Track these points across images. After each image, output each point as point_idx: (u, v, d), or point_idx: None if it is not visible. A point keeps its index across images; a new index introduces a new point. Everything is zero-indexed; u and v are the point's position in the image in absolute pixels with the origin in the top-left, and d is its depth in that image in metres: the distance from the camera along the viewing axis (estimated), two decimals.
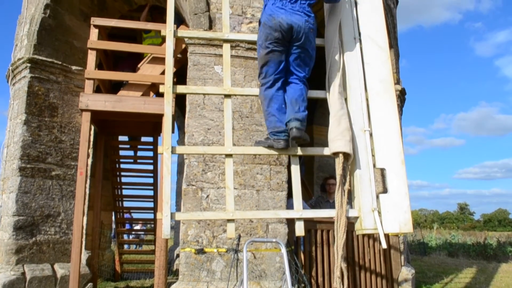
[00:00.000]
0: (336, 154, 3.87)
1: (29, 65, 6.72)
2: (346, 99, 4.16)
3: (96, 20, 6.45)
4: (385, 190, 3.96)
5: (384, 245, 3.74)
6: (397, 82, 7.84)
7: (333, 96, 4.06)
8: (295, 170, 3.94)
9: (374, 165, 4.00)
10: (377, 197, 3.91)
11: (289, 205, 5.41)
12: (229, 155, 3.82)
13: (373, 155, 4.07)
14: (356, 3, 4.57)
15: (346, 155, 3.87)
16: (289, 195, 5.26)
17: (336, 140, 3.84)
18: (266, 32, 3.90)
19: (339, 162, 3.87)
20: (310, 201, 7.40)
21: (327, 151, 3.98)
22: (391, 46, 7.65)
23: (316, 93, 4.26)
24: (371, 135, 4.12)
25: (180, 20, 6.86)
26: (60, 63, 7.00)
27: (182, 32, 4.34)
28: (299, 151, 3.99)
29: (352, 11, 4.51)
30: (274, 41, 3.88)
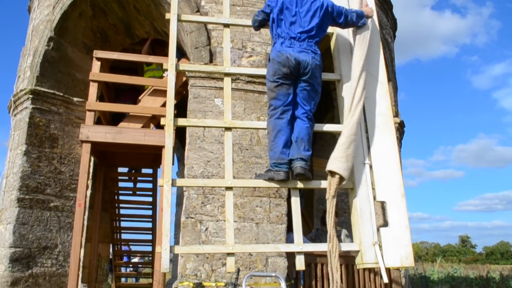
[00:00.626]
0: (333, 173, 3.84)
1: (31, 96, 6.77)
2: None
3: (98, 53, 6.55)
4: (385, 223, 3.94)
5: (385, 280, 3.69)
6: (396, 114, 7.90)
7: (352, 118, 4.05)
8: (295, 202, 3.92)
9: (374, 198, 3.99)
10: (378, 230, 3.89)
11: (289, 239, 5.37)
12: (229, 188, 3.81)
13: (373, 188, 4.07)
14: (354, 38, 4.65)
15: (341, 180, 3.85)
16: (289, 228, 5.22)
17: (340, 161, 3.82)
18: (275, 67, 3.97)
19: (333, 183, 3.83)
20: (310, 234, 7.33)
21: (325, 184, 3.97)
22: (389, 80, 7.74)
23: (327, 127, 4.29)
24: (371, 167, 4.14)
25: (181, 53, 6.96)
26: (61, 94, 7.06)
27: (184, 65, 4.40)
28: (299, 184, 3.98)
29: (351, 47, 4.59)
30: (283, 76, 3.94)
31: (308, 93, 4.06)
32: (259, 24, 4.28)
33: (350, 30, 4.69)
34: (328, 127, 4.31)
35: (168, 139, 3.75)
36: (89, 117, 6.25)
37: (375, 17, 4.88)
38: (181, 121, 3.97)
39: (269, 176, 3.96)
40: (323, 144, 9.62)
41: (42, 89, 6.89)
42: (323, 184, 3.99)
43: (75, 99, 7.19)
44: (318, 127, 4.19)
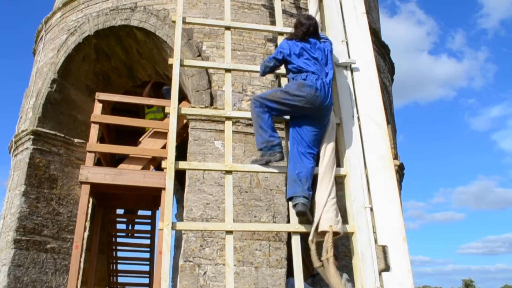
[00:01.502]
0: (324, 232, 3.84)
1: (32, 137, 6.81)
2: (345, 176, 4.21)
3: (100, 95, 6.64)
4: (387, 268, 3.90)
5: None
6: (395, 157, 7.93)
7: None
8: (296, 246, 3.89)
9: (375, 242, 3.97)
10: (380, 274, 3.84)
11: (289, 284, 5.27)
12: (229, 232, 3.78)
13: (374, 232, 4.05)
14: (354, 83, 4.74)
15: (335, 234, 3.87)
16: (289, 272, 5.13)
17: (331, 218, 3.85)
18: (298, 92, 3.97)
19: (328, 239, 3.83)
20: (309, 278, 7.21)
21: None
22: (388, 122, 7.81)
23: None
24: (371, 210, 4.13)
25: (181, 95, 7.06)
26: (62, 135, 7.10)
27: (186, 109, 4.46)
28: (301, 228, 3.97)
29: (350, 91, 4.67)
30: (299, 105, 3.99)
31: (318, 138, 4.12)
32: (269, 71, 4.39)
33: (349, 73, 4.79)
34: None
35: (169, 182, 3.76)
36: (89, 158, 6.27)
37: (373, 61, 5.00)
38: (182, 164, 3.99)
39: (266, 160, 4.01)
40: None
41: (44, 130, 6.93)
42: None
43: (76, 140, 7.23)
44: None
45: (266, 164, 4.06)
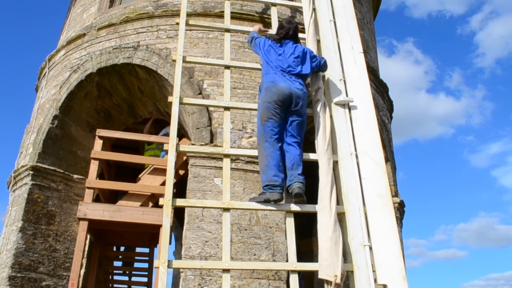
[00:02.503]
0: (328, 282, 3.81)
1: (31, 172, 6.81)
2: (344, 214, 4.19)
3: (101, 132, 6.69)
4: None
5: None
6: (395, 194, 7.91)
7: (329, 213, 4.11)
8: (294, 285, 3.83)
9: (375, 281, 3.91)
10: None
11: None
12: (226, 270, 3.73)
13: (374, 271, 4.00)
14: (352, 121, 4.79)
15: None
16: None
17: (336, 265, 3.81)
18: (269, 95, 4.34)
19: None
20: None
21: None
22: (387, 160, 7.84)
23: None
24: (371, 249, 4.09)
25: (181, 132, 7.12)
26: (62, 171, 7.11)
27: (185, 147, 4.49)
28: (294, 207, 4.14)
29: (348, 129, 4.71)
30: (275, 103, 4.29)
31: (299, 126, 4.41)
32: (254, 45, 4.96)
33: (347, 111, 4.85)
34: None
35: (166, 219, 3.74)
36: (88, 194, 6.26)
37: (370, 99, 5.07)
38: (180, 202, 3.98)
39: (265, 198, 4.11)
40: None
41: (43, 165, 6.94)
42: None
43: (75, 176, 7.23)
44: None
45: (265, 202, 4.12)
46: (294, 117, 4.39)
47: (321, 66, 4.88)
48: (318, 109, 4.66)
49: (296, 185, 4.13)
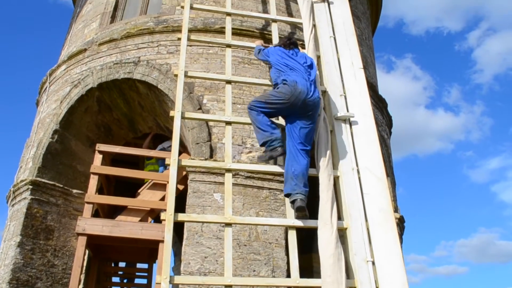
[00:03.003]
0: None
1: (30, 187, 6.78)
2: (346, 229, 4.17)
3: (101, 146, 6.68)
4: None
5: None
6: (396, 210, 7.88)
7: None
8: None
9: None
10: None
11: None
12: (228, 286, 3.70)
13: (377, 287, 3.98)
14: (353, 136, 4.80)
15: None
16: None
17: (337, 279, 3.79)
18: (287, 90, 4.33)
19: None
20: None
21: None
22: (387, 175, 7.82)
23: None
24: (373, 264, 4.07)
25: (181, 147, 7.11)
26: (61, 186, 7.08)
27: (186, 161, 4.49)
28: (296, 222, 4.16)
29: (349, 144, 4.72)
30: (287, 100, 4.32)
31: (309, 134, 4.43)
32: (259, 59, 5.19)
33: (348, 127, 4.86)
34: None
35: (167, 235, 3.72)
36: (87, 209, 6.22)
37: (371, 115, 5.09)
38: (181, 216, 3.96)
39: (269, 155, 4.30)
40: None
41: (43, 180, 6.92)
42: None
43: (75, 191, 7.20)
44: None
45: (269, 159, 4.33)
46: (305, 122, 4.38)
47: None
48: (319, 124, 4.67)
49: (299, 197, 4.12)
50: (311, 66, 4.75)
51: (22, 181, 6.95)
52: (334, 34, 5.70)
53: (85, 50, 7.72)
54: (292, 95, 4.29)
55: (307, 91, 4.32)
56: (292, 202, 4.17)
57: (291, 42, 4.99)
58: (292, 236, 4.15)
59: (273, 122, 4.47)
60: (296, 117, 4.39)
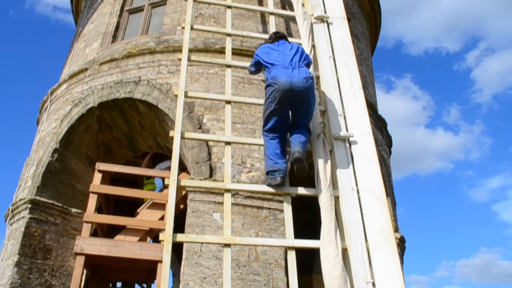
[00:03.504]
0: None
1: (29, 205, 6.76)
2: (346, 249, 4.14)
3: (101, 165, 6.68)
4: None
5: None
6: (396, 230, 7.83)
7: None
8: None
9: None
10: None
11: None
12: None
13: None
14: (352, 156, 4.80)
15: None
16: None
17: None
18: (269, 91, 4.48)
19: None
20: None
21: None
22: (387, 195, 7.79)
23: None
24: (373, 285, 4.03)
25: (181, 168, 7.10)
26: (60, 205, 7.05)
27: (185, 181, 4.48)
28: (296, 243, 4.16)
29: (349, 164, 4.72)
30: (275, 98, 4.44)
31: (304, 113, 4.61)
32: (254, 71, 5.19)
33: (347, 146, 4.86)
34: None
35: (166, 255, 3.69)
36: (86, 229, 6.18)
37: (370, 134, 5.10)
38: (180, 237, 3.94)
39: (268, 183, 4.47)
40: None
41: (42, 199, 6.89)
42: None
43: (73, 210, 7.17)
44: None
45: (268, 186, 4.48)
46: (299, 106, 4.54)
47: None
48: (318, 144, 4.69)
49: (295, 149, 4.40)
50: (298, 51, 4.84)
51: (21, 199, 6.93)
52: (333, 54, 5.74)
53: (86, 69, 7.77)
54: (276, 91, 4.40)
55: (291, 78, 4.41)
56: (291, 158, 4.44)
57: (278, 36, 5.14)
58: (292, 256, 4.11)
59: (282, 151, 4.59)
60: (290, 103, 4.51)
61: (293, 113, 4.62)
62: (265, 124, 4.64)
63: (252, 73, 5.25)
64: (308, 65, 4.88)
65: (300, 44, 5.54)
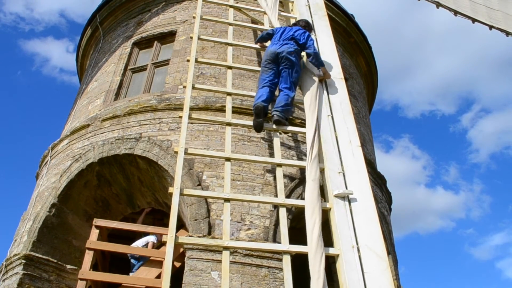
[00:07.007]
0: None
1: (24, 261, 6.63)
2: None
3: (98, 221, 6.62)
4: None
5: None
6: None
7: None
8: None
9: None
10: None
11: None
12: None
13: None
14: (352, 214, 4.79)
15: None
16: None
17: None
18: (263, 58, 6.12)
19: None
20: None
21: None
22: (388, 253, 7.68)
23: None
24: None
25: (180, 225, 7.04)
26: (55, 261, 6.93)
27: (183, 238, 4.45)
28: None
29: (348, 221, 4.70)
30: (265, 61, 6.02)
31: (287, 75, 5.90)
32: (260, 39, 6.86)
33: (347, 204, 4.86)
34: None
35: None
36: (80, 286, 6.03)
37: (370, 192, 5.10)
38: None
39: (254, 116, 5.63)
40: None
41: (37, 254, 6.78)
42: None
43: (68, 266, 7.04)
44: None
45: (257, 118, 5.61)
46: (284, 69, 5.90)
47: (312, 53, 6.03)
48: (313, 203, 4.73)
49: (274, 113, 5.69)
50: (298, 31, 6.19)
51: (15, 255, 6.81)
52: (331, 113, 5.85)
53: (88, 125, 7.88)
54: (266, 54, 6.05)
55: (277, 49, 5.93)
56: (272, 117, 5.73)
57: (294, 23, 6.83)
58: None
59: (264, 86, 5.84)
60: (278, 66, 5.93)
61: (280, 73, 5.95)
62: (261, 75, 6.08)
63: (257, 41, 7.04)
64: (308, 47, 6.06)
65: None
